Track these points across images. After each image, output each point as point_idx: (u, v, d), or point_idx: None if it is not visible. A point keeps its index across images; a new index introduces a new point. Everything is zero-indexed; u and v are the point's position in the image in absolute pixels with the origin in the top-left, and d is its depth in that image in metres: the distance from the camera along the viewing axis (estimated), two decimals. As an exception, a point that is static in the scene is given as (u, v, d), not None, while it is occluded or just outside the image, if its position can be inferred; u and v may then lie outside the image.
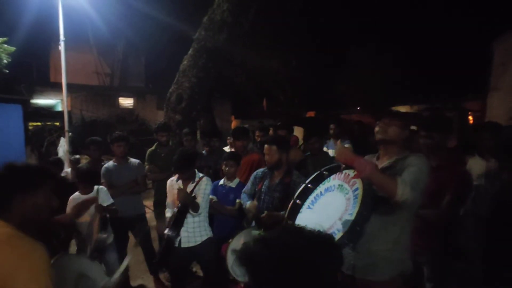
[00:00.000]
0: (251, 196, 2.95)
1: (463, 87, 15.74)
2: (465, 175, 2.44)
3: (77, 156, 5.24)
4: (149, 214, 4.37)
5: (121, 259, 3.26)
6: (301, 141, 5.40)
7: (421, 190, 1.79)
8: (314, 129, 4.11)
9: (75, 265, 2.04)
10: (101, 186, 3.18)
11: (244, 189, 3.06)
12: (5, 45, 8.88)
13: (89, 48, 15.15)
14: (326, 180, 1.75)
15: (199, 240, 2.91)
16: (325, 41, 15.08)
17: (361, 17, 15.48)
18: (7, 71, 9.10)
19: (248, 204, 2.83)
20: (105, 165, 3.72)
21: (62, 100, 8.65)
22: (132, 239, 3.78)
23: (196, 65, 6.33)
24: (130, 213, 3.60)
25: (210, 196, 3.10)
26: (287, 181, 2.73)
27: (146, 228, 3.80)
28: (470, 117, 13.97)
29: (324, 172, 1.76)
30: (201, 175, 3.00)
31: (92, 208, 2.82)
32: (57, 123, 11.25)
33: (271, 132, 4.80)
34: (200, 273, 3.48)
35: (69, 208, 2.95)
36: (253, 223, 2.86)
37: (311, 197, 1.74)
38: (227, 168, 3.29)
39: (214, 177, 3.61)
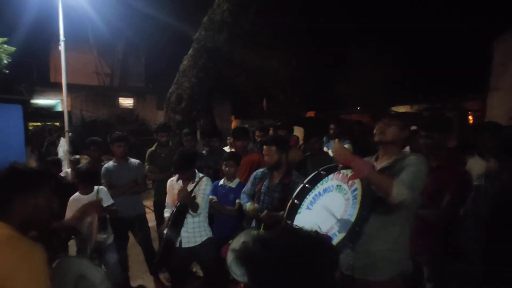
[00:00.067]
0: (251, 197, 2.95)
1: (463, 87, 15.74)
2: (465, 175, 2.43)
3: (77, 156, 5.24)
4: (149, 214, 4.37)
5: (121, 259, 3.27)
6: (301, 141, 5.40)
7: (419, 190, 1.79)
8: (314, 129, 4.11)
9: (75, 266, 2.04)
10: (101, 187, 3.18)
11: (243, 189, 3.06)
12: (5, 45, 8.88)
13: (89, 48, 15.15)
14: (324, 180, 1.76)
15: (199, 240, 2.91)
16: (325, 41, 15.08)
17: (361, 17, 15.48)
18: (7, 71, 9.11)
19: (248, 205, 2.83)
20: (105, 165, 3.72)
21: (62, 100, 8.65)
22: (132, 239, 3.78)
23: (196, 65, 6.33)
24: (130, 213, 3.60)
25: (210, 196, 3.10)
26: (287, 182, 2.73)
27: (146, 228, 3.80)
28: (470, 117, 13.97)
29: (322, 172, 1.77)
30: (201, 175, 3.00)
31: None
32: (57, 123, 11.25)
33: (271, 132, 4.79)
34: (200, 273, 3.48)
35: (69, 209, 2.95)
36: (253, 223, 2.87)
37: (309, 198, 1.74)
38: (227, 168, 3.30)
39: (214, 177, 3.61)
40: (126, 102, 15.15)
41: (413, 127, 2.94)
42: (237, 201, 3.15)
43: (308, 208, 1.75)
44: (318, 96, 19.16)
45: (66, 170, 5.01)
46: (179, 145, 4.91)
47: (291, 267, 0.82)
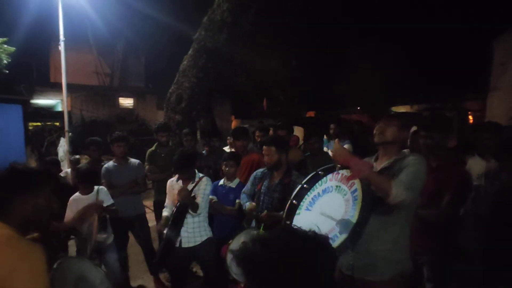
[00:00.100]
0: (251, 197, 2.95)
1: (463, 87, 15.76)
2: (465, 175, 2.44)
3: (77, 156, 5.24)
4: (149, 214, 4.37)
5: (121, 259, 3.27)
6: (301, 141, 5.40)
7: (418, 190, 1.79)
8: (314, 129, 4.11)
9: (75, 267, 2.04)
10: (101, 187, 3.18)
11: (243, 189, 3.06)
12: (5, 46, 8.88)
13: (89, 48, 15.15)
14: (322, 180, 1.76)
15: (199, 240, 2.91)
16: (325, 41, 15.09)
17: (361, 17, 15.49)
18: (7, 72, 9.11)
19: (247, 205, 2.84)
20: (105, 165, 3.72)
21: (62, 100, 8.64)
22: (132, 239, 3.78)
23: (196, 65, 6.33)
24: (130, 213, 3.60)
25: (210, 196, 3.10)
26: (287, 182, 2.73)
27: (146, 228, 3.80)
28: (470, 117, 13.97)
29: (320, 173, 1.77)
30: (201, 175, 3.00)
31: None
32: (57, 123, 11.25)
33: (271, 132, 4.79)
34: (200, 273, 3.48)
35: (69, 209, 2.96)
36: (253, 223, 2.87)
37: (308, 198, 1.73)
38: (227, 168, 3.30)
39: (214, 177, 3.60)
40: (126, 102, 15.15)
41: (414, 128, 2.94)
42: (237, 201, 3.15)
43: (307, 209, 1.74)
44: (318, 96, 19.16)
45: (66, 170, 5.00)
46: (179, 145, 4.91)
47: (290, 267, 0.82)
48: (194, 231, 2.90)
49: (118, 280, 3.09)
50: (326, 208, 1.80)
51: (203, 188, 2.89)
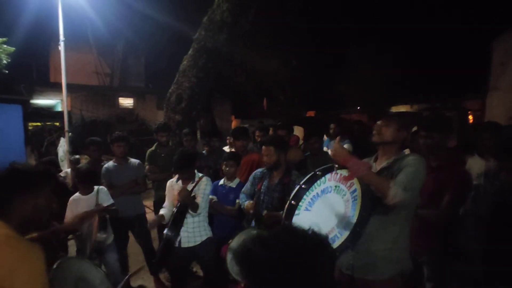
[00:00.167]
0: (250, 196, 2.95)
1: (463, 87, 15.75)
2: (465, 175, 2.44)
3: (77, 156, 5.24)
4: (149, 214, 4.37)
5: (121, 259, 3.27)
6: (301, 141, 5.40)
7: (417, 190, 1.79)
8: (314, 129, 4.11)
9: (75, 267, 2.04)
10: (101, 187, 3.18)
11: (242, 189, 3.06)
12: (5, 46, 8.88)
13: (89, 48, 15.15)
14: (320, 180, 1.76)
15: (198, 240, 2.91)
16: (325, 41, 15.10)
17: (361, 17, 15.49)
18: (7, 72, 9.10)
19: (246, 204, 2.84)
20: (105, 165, 3.72)
21: (62, 100, 8.63)
22: (132, 239, 3.78)
23: (196, 65, 6.32)
24: (130, 213, 3.60)
25: (210, 196, 3.10)
26: (287, 181, 2.73)
27: (146, 228, 3.80)
28: (470, 117, 13.96)
29: (318, 173, 1.77)
30: (200, 175, 3.00)
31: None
32: (57, 123, 11.25)
33: (271, 132, 4.79)
34: (200, 273, 3.48)
35: (69, 209, 2.96)
36: (253, 223, 2.86)
37: (307, 199, 1.73)
38: (227, 168, 3.30)
39: (214, 177, 3.60)
40: (126, 102, 15.14)
41: (414, 129, 2.94)
42: (237, 201, 3.15)
43: (306, 209, 1.74)
44: (318, 96, 19.17)
45: (66, 170, 5.00)
46: (179, 145, 4.90)
47: (290, 267, 0.82)
48: (194, 231, 2.90)
49: (118, 280, 3.09)
50: (325, 208, 1.80)
51: (203, 188, 2.89)
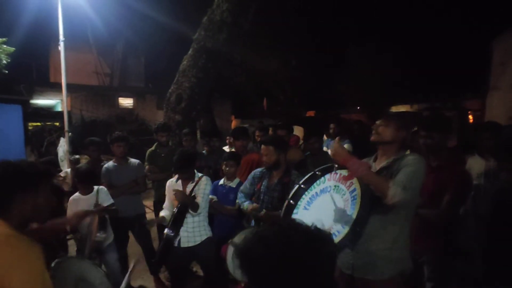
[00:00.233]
0: (249, 196, 2.95)
1: (463, 87, 15.73)
2: (465, 175, 2.44)
3: (77, 156, 5.23)
4: (149, 214, 4.36)
5: (121, 259, 3.27)
6: (301, 141, 5.40)
7: (416, 190, 1.79)
8: (314, 128, 4.11)
9: (75, 267, 2.04)
10: (101, 187, 3.18)
11: (241, 188, 3.05)
12: (5, 46, 8.88)
13: (89, 48, 15.15)
14: (320, 180, 1.76)
15: (198, 240, 2.91)
16: (325, 41, 15.10)
17: (361, 17, 15.49)
18: (7, 72, 9.10)
19: (246, 205, 2.83)
20: (105, 165, 3.72)
21: (62, 100, 8.63)
22: (132, 239, 3.78)
23: (195, 65, 6.32)
24: (130, 213, 3.60)
25: (210, 196, 3.10)
26: (286, 181, 2.73)
27: (146, 228, 3.79)
28: (470, 117, 13.96)
29: (317, 173, 1.77)
30: (200, 174, 3.00)
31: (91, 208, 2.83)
32: (57, 123, 11.26)
33: (270, 132, 4.79)
34: (200, 273, 3.47)
35: (69, 209, 2.96)
36: (253, 223, 2.86)
37: (306, 198, 1.74)
38: (227, 168, 3.29)
39: (214, 177, 3.60)
40: (126, 102, 15.13)
41: (414, 129, 2.94)
42: (237, 200, 3.15)
43: (305, 208, 1.75)
44: (318, 96, 19.17)
45: (66, 170, 4.99)
46: (179, 145, 4.90)
47: (291, 266, 0.82)
48: (194, 231, 2.90)
49: (118, 280, 3.09)
50: (324, 207, 1.81)
51: (203, 188, 2.89)
